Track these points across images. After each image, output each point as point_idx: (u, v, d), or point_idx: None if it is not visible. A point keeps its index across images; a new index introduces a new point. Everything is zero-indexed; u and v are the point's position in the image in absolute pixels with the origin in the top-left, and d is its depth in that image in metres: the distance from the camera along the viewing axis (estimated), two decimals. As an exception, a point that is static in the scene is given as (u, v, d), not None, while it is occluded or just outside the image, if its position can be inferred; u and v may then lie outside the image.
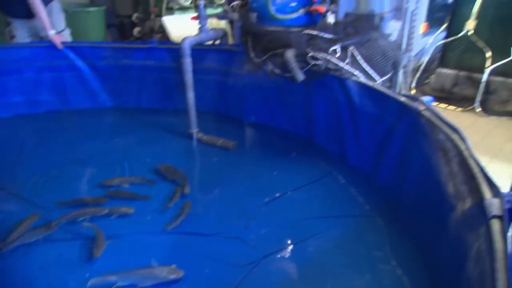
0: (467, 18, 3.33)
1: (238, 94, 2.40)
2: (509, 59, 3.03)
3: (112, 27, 4.24)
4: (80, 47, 2.55)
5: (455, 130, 1.22)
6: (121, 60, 2.57)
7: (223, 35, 2.29)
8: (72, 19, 3.12)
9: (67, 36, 2.63)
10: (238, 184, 1.80)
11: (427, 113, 1.39)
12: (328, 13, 2.19)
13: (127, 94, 2.67)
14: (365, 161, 1.84)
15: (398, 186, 1.59)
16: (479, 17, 3.26)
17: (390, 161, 1.67)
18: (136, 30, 4.02)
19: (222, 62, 2.35)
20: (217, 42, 2.34)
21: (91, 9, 3.76)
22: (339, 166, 1.91)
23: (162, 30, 3.62)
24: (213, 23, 2.68)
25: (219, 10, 4.36)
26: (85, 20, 3.67)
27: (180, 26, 3.48)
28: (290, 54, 1.90)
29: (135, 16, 4.08)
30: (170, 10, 3.83)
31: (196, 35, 2.11)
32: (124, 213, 1.55)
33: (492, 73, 3.10)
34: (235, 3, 2.22)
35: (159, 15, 3.81)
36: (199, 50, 2.25)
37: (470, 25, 3.29)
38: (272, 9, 2.08)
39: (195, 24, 2.16)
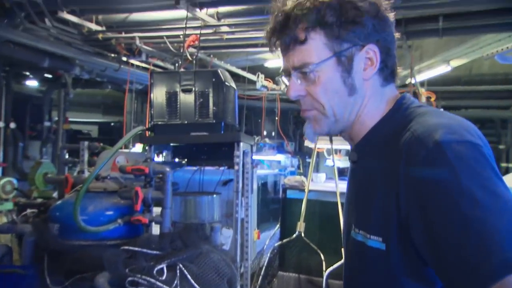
0: (297, 218, 4.18)
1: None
2: (342, 261, 3.79)
3: None
4: None
5: None
6: None
7: (6, 253, 2.12)
8: None
9: None
10: None
11: None
12: (153, 224, 2.38)
13: None
14: None
15: None
16: (307, 218, 4.14)
17: None
18: None
19: (-1, 291, 2.07)
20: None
21: None
22: None
23: None
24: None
25: (6, 205, 4.11)
26: None
27: None
28: (102, 279, 1.88)
29: None
30: None
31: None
32: None
33: (330, 276, 3.75)
34: (28, 211, 2.19)
35: None
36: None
37: (301, 227, 4.10)
38: (79, 219, 2.13)
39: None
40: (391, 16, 0.90)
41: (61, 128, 7.15)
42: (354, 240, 0.92)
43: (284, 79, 0.93)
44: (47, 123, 7.37)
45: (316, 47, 0.86)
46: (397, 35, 0.92)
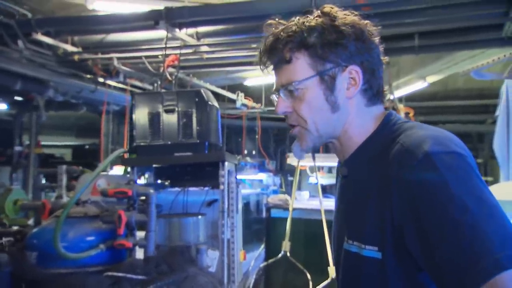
0: (282, 238, 4.17)
1: None
2: (329, 280, 3.80)
3: None
4: None
5: None
6: None
7: (-19, 284, 2.05)
8: None
9: None
10: None
11: None
12: (137, 248, 2.36)
13: None
14: None
15: None
16: (292, 237, 4.14)
17: None
18: None
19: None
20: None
21: None
22: None
23: None
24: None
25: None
26: None
27: None
28: (86, 308, 1.84)
29: None
30: None
31: None
32: None
33: (318, 296, 3.74)
34: (4, 239, 2.14)
35: None
36: None
37: (286, 246, 4.10)
38: (60, 246, 2.09)
39: None
40: (376, 40, 0.97)
41: (32, 152, 6.98)
42: (348, 252, 0.95)
43: (275, 96, 1.01)
44: (18, 148, 7.18)
45: (300, 66, 0.94)
46: (385, 60, 0.99)
